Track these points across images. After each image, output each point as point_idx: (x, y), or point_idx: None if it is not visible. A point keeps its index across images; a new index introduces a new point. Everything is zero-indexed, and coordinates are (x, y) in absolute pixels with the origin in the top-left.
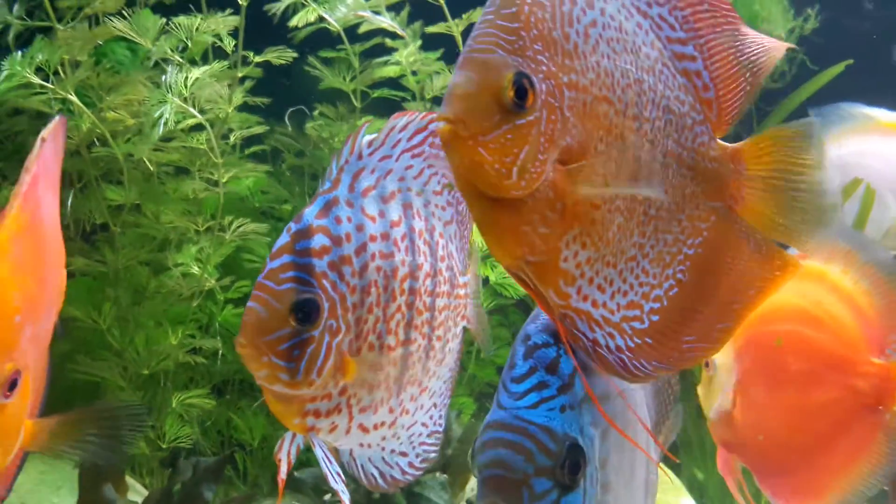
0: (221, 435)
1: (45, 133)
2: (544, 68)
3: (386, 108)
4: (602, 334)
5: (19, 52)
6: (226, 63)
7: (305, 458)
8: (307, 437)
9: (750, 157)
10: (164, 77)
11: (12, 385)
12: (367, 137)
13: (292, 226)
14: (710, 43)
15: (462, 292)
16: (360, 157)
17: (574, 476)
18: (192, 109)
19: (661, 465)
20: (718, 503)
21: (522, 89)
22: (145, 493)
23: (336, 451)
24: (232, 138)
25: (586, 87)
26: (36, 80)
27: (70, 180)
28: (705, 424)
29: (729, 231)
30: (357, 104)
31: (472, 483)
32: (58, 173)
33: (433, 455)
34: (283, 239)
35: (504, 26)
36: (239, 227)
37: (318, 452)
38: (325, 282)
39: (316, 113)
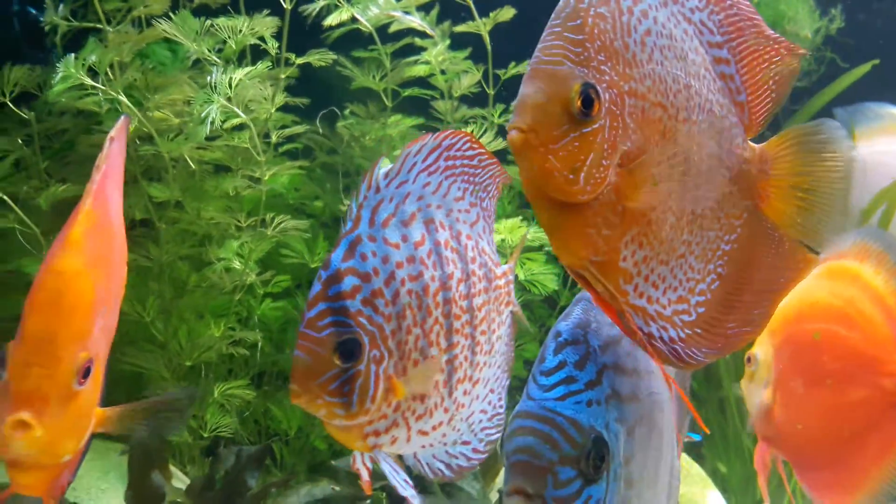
0: (258, 425)
1: (112, 132)
2: (607, 78)
3: (414, 107)
4: (656, 327)
5: (72, 55)
6: (269, 64)
7: (340, 448)
8: (372, 454)
9: (773, 157)
10: (209, 77)
11: (86, 373)
12: (384, 170)
13: (322, 273)
14: (740, 46)
15: (502, 282)
16: (377, 190)
17: (598, 468)
18: (236, 109)
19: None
20: (740, 495)
21: (589, 99)
22: (187, 480)
23: (400, 457)
24: (274, 137)
25: (644, 94)
26: (88, 81)
27: None
28: (727, 418)
29: (757, 228)
30: (388, 103)
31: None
32: (122, 171)
33: (496, 436)
34: (316, 287)
35: (570, 38)
36: (280, 223)
37: (384, 466)
38: (361, 319)
39: (346, 112)
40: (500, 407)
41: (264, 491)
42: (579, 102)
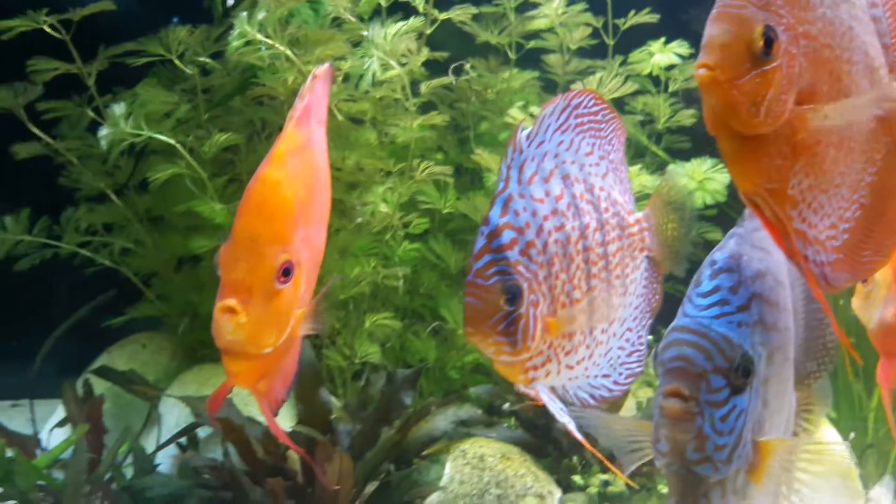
0: (398, 355)
1: (316, 71)
2: (784, 21)
3: (527, 62)
4: (812, 251)
5: (244, 13)
6: (422, 20)
7: (470, 380)
8: (530, 386)
9: None
10: (366, 33)
11: (286, 273)
12: (524, 132)
13: (484, 229)
14: None
15: (635, 229)
16: (521, 151)
17: (744, 381)
18: (392, 62)
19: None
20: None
21: (770, 40)
22: (338, 403)
23: (553, 389)
24: (423, 88)
25: (816, 36)
26: (260, 37)
27: (262, 127)
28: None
29: (892, 163)
30: (512, 55)
31: (628, 405)
32: (325, 115)
33: (638, 370)
34: (480, 242)
35: None
36: (426, 168)
37: (543, 396)
38: (520, 268)
39: (467, 66)
40: (640, 344)
41: (426, 408)
42: (761, 43)
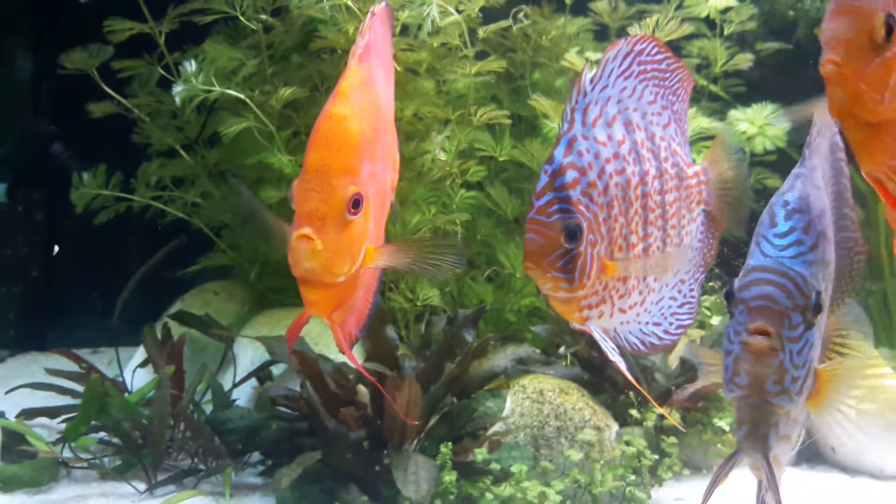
0: (454, 299)
1: (374, 8)
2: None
3: (583, 9)
4: None
5: None
6: None
7: (524, 323)
8: (584, 325)
9: None
10: None
11: (355, 204)
12: (588, 75)
13: (547, 168)
14: None
15: (693, 181)
16: (585, 94)
17: (817, 316)
18: (450, 8)
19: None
20: None
21: (891, 28)
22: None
23: (606, 331)
24: (481, 33)
25: None
26: None
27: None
28: (890, 313)
29: None
30: (568, 0)
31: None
32: (389, 58)
33: (688, 322)
34: (543, 180)
35: None
36: (484, 113)
37: (596, 336)
38: (581, 207)
39: (520, 14)
40: (692, 297)
41: (485, 342)
42: (883, 32)
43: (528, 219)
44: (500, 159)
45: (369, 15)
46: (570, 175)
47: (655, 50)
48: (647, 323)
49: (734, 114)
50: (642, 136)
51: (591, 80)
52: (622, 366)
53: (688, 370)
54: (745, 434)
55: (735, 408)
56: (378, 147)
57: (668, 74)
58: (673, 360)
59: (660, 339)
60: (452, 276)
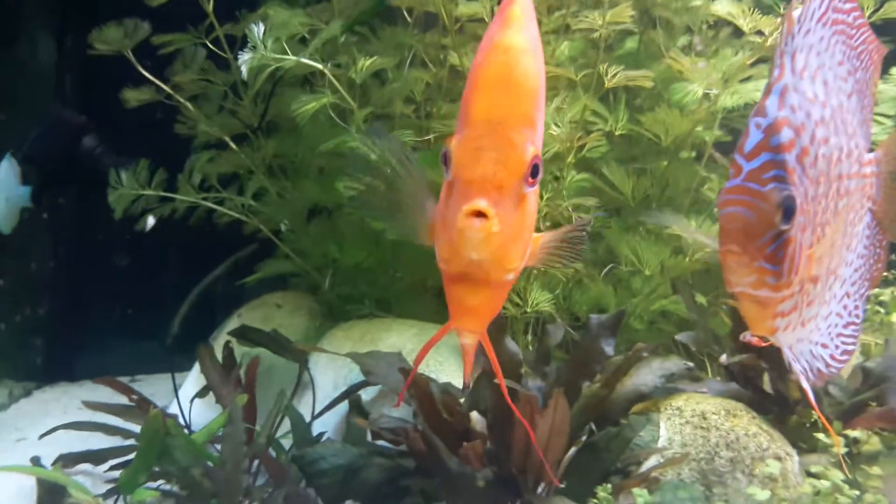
0: (560, 304)
1: None
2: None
3: None
4: None
5: None
6: None
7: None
8: (773, 337)
9: None
10: None
11: (534, 171)
12: (795, 13)
13: (761, 121)
14: None
15: (868, 170)
16: (793, 37)
17: None
18: None
19: None
20: None
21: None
22: None
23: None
24: None
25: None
26: None
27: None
28: None
29: None
30: None
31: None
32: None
33: (852, 347)
34: (756, 136)
35: None
36: (614, 74)
37: (787, 354)
38: (795, 177)
39: None
40: (856, 316)
41: (635, 355)
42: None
43: (733, 187)
44: (617, 133)
45: None
46: (786, 134)
47: None
48: (816, 343)
49: None
50: (836, 103)
51: (798, 21)
52: (811, 394)
53: (873, 382)
54: None
55: None
56: (543, 101)
57: (854, 31)
58: (845, 370)
59: (827, 366)
60: (564, 276)
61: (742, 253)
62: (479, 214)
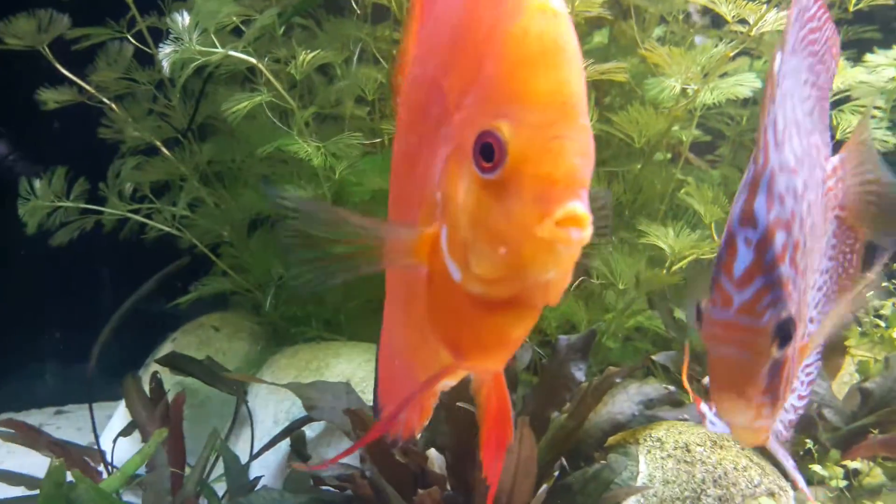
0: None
1: None
2: None
3: None
4: None
5: None
6: None
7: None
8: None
9: None
10: None
11: None
12: (776, 64)
13: (751, 236)
14: None
15: (830, 182)
16: (773, 101)
17: None
18: None
19: None
20: None
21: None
22: None
23: None
24: None
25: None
26: None
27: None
28: None
29: None
30: None
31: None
32: None
33: (815, 377)
34: (747, 256)
35: None
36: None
37: (780, 454)
38: (790, 286)
39: None
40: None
41: (607, 381)
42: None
43: (723, 322)
44: (638, 146)
45: None
46: (780, 241)
47: None
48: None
49: (873, 58)
50: (805, 132)
51: (779, 72)
52: (801, 483)
53: (873, 406)
54: None
55: None
56: None
57: (818, 35)
58: (837, 388)
59: (795, 409)
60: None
61: (738, 399)
62: (581, 223)
